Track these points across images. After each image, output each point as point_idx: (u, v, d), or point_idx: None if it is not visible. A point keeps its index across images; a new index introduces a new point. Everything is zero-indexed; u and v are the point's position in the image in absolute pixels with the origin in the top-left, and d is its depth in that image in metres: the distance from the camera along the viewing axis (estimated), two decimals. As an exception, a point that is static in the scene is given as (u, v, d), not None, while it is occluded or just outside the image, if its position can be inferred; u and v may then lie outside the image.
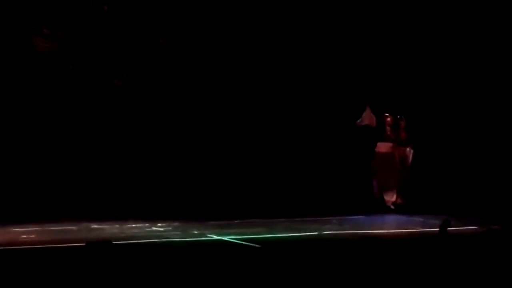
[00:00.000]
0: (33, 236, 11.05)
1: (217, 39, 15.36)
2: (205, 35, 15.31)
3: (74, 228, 11.83)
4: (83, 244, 7.34)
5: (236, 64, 15.44)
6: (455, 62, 15.55)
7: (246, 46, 15.45)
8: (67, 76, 14.69)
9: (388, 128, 14.66)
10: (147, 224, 12.22)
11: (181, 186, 14.66)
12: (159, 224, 12.21)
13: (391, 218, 13.78)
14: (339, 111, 15.58)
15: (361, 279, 7.33)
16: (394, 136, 14.67)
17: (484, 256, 7.85)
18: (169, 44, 15.20)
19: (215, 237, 11.09)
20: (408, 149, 14.69)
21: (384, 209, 14.36)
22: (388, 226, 12.99)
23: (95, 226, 12.01)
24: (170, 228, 11.98)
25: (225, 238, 10.93)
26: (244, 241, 10.56)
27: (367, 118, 14.57)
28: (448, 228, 8.84)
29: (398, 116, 14.79)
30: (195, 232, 11.58)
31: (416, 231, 11.87)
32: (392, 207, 14.44)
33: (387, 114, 14.70)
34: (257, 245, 10.28)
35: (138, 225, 12.21)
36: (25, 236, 11.00)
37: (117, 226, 12.06)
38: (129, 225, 12.15)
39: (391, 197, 14.49)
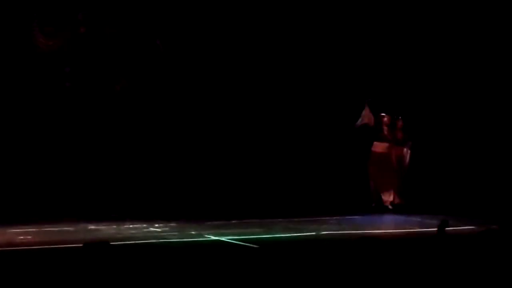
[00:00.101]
0: (30, 237, 11.03)
1: (216, 39, 15.35)
2: (204, 35, 15.30)
3: (71, 229, 11.81)
4: (81, 245, 7.31)
5: (234, 65, 15.43)
6: (453, 62, 15.55)
7: (245, 46, 15.44)
8: (64, 77, 14.67)
9: (385, 128, 14.66)
10: (144, 225, 12.20)
11: (179, 186, 14.65)
12: (156, 225, 12.19)
13: (389, 218, 13.77)
14: (336, 111, 15.58)
15: (359, 279, 7.32)
16: (391, 136, 14.67)
17: (482, 256, 7.84)
18: (166, 44, 15.18)
19: (213, 237, 11.07)
20: (405, 149, 14.69)
21: (381, 208, 14.35)
22: (386, 226, 12.99)
23: (92, 227, 11.99)
24: (167, 228, 11.96)
25: (223, 239, 10.91)
26: (242, 242, 10.54)
27: (366, 117, 14.56)
28: (446, 228, 8.83)
29: (395, 116, 14.79)
30: (193, 232, 11.56)
31: (414, 231, 11.87)
32: (390, 207, 14.44)
33: (383, 114, 14.69)
34: (255, 246, 10.26)
35: (135, 225, 12.18)
36: (22, 237, 10.97)
37: (115, 226, 12.04)
38: (126, 226, 12.13)
39: (388, 197, 14.49)
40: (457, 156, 15.29)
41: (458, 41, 15.55)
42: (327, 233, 11.48)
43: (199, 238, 11.09)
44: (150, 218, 12.71)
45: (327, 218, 13.08)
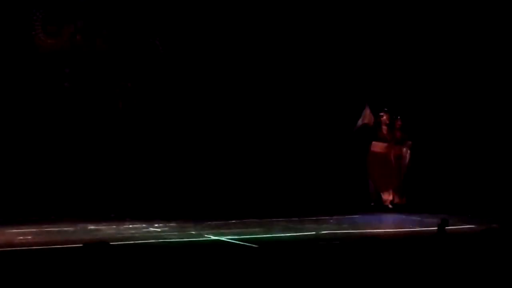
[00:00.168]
0: (29, 237, 11.01)
1: (215, 40, 15.34)
2: (203, 37, 15.29)
3: (70, 229, 11.79)
4: (80, 245, 7.30)
5: (234, 66, 15.42)
6: (452, 62, 15.55)
7: (245, 47, 15.43)
8: (64, 77, 14.66)
9: (384, 127, 14.65)
10: (144, 225, 12.19)
11: (178, 186, 14.64)
12: (156, 225, 12.17)
13: (389, 217, 13.76)
14: (335, 111, 15.57)
15: (359, 279, 7.31)
16: (390, 135, 14.66)
17: (482, 255, 7.84)
18: (165, 45, 15.18)
19: (213, 237, 11.06)
20: (404, 148, 14.68)
21: (381, 208, 14.35)
22: (386, 226, 12.97)
23: (91, 227, 11.97)
24: (167, 228, 11.95)
25: (223, 238, 10.90)
26: (242, 241, 10.53)
27: (367, 117, 14.55)
28: (446, 227, 8.83)
29: (394, 116, 14.78)
30: (193, 232, 11.55)
31: (414, 230, 11.85)
32: (390, 206, 14.43)
33: (382, 113, 14.68)
34: (254, 245, 10.25)
35: (135, 225, 12.17)
36: (21, 237, 10.96)
37: (114, 227, 12.03)
38: (125, 226, 12.11)
39: (388, 196, 14.49)
40: (457, 155, 15.29)
41: (458, 40, 15.54)
42: (327, 233, 11.46)
43: (199, 238, 11.07)
44: (149, 218, 12.70)
45: (326, 217, 13.07)
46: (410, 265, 7.78)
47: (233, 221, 12.63)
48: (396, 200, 14.53)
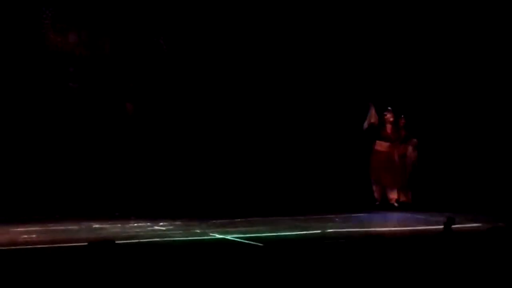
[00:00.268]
0: (34, 236, 11.00)
1: (216, 39, 15.32)
2: (203, 36, 15.28)
3: (75, 227, 11.78)
4: (85, 243, 7.29)
5: (240, 64, 15.41)
6: (461, 59, 15.51)
7: (247, 46, 15.42)
8: (68, 77, 14.66)
9: (388, 126, 14.63)
10: (149, 223, 12.17)
11: (183, 184, 14.62)
12: (161, 223, 12.15)
13: (394, 216, 13.73)
14: (340, 109, 15.55)
15: (365, 277, 7.28)
16: (394, 134, 14.63)
17: (489, 253, 7.80)
18: (168, 44, 15.17)
19: (218, 236, 11.04)
20: (410, 147, 14.64)
21: (387, 206, 14.32)
22: (392, 224, 12.94)
23: (96, 225, 11.96)
24: (172, 227, 11.93)
25: (228, 237, 10.88)
26: (247, 240, 10.51)
27: (373, 116, 14.53)
28: (453, 226, 8.80)
29: (397, 115, 14.74)
30: (198, 231, 11.53)
31: (420, 228, 11.81)
32: (395, 204, 14.40)
33: (386, 112, 14.65)
34: (259, 244, 10.22)
35: (140, 224, 12.16)
36: (25, 236, 10.95)
37: (119, 225, 12.01)
38: (131, 225, 12.10)
39: (394, 195, 14.46)
40: (463, 153, 15.26)
41: (463, 37, 15.50)
42: (332, 231, 11.43)
43: (204, 236, 11.05)
44: (154, 217, 12.69)
45: (332, 216, 13.04)
46: (416, 263, 7.75)
47: (238, 219, 12.60)
48: (402, 198, 14.50)
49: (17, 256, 9.35)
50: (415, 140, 14.66)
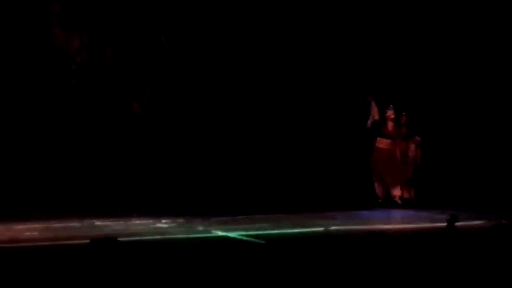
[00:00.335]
0: (36, 233, 10.99)
1: (217, 38, 15.30)
2: (204, 35, 15.26)
3: (77, 225, 11.76)
4: (88, 241, 7.26)
5: (244, 62, 15.41)
6: (465, 55, 15.47)
7: (245, 44, 15.40)
8: (70, 75, 14.66)
9: (389, 123, 14.60)
10: (151, 221, 12.16)
11: (185, 182, 14.61)
12: (163, 221, 12.14)
13: (397, 213, 13.71)
14: (342, 107, 15.54)
15: (369, 275, 7.26)
16: (395, 131, 14.61)
17: (493, 251, 7.78)
18: (170, 42, 15.17)
19: (220, 233, 11.02)
20: (412, 144, 14.61)
21: (390, 203, 14.29)
22: (395, 221, 12.92)
23: (98, 223, 11.94)
24: (174, 224, 11.92)
25: (230, 235, 10.86)
26: (250, 237, 10.49)
27: (376, 113, 14.51)
28: (456, 223, 8.76)
29: (399, 112, 14.70)
30: (200, 228, 11.51)
31: (423, 226, 11.79)
32: (399, 201, 14.38)
33: (388, 109, 14.62)
34: (262, 241, 10.20)
35: (142, 221, 12.14)
36: (28, 234, 10.93)
37: (121, 222, 12.00)
38: (133, 222, 12.08)
39: (397, 192, 14.43)
40: (467, 150, 15.23)
41: (465, 36, 15.48)
42: (335, 229, 11.41)
43: (206, 234, 11.03)
44: (157, 214, 12.67)
45: (335, 213, 13.02)
46: (420, 261, 7.72)
47: (241, 216, 12.58)
48: (405, 195, 14.47)
49: (20, 254, 9.34)
50: (417, 138, 14.63)
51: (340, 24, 15.63)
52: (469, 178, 14.69)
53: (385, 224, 12.23)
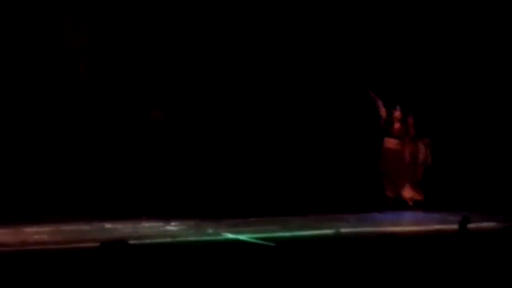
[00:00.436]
0: (46, 236, 10.98)
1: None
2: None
3: (87, 228, 11.75)
4: (98, 244, 7.23)
5: (250, 62, 15.40)
6: (475, 56, 15.42)
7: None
8: (79, 78, 14.69)
9: (396, 123, 14.56)
10: (160, 223, 12.13)
11: (195, 184, 14.59)
12: (173, 223, 12.11)
13: (408, 215, 13.66)
14: (351, 108, 15.51)
15: (379, 278, 7.21)
16: (403, 132, 14.56)
17: (506, 253, 7.72)
18: (178, 43, 15.19)
19: (230, 235, 10.98)
20: (421, 145, 14.56)
21: (400, 205, 14.24)
22: (406, 223, 12.87)
23: (108, 225, 11.92)
24: (184, 227, 11.89)
25: (240, 237, 10.82)
26: (259, 240, 10.46)
27: (384, 112, 14.48)
28: (468, 225, 8.70)
29: (406, 113, 14.65)
30: (210, 231, 11.48)
31: (435, 228, 11.73)
32: (410, 203, 14.32)
33: (393, 110, 14.58)
34: (271, 244, 10.17)
35: (152, 224, 12.12)
36: (37, 237, 10.92)
37: (131, 225, 11.98)
38: (143, 225, 12.06)
39: (408, 194, 14.37)
40: (478, 151, 15.17)
41: (474, 36, 15.42)
42: (346, 231, 11.36)
43: (216, 236, 11.00)
44: (166, 217, 12.64)
45: (345, 215, 12.97)
46: (431, 263, 7.68)
47: (251, 219, 12.55)
48: (416, 196, 14.42)
49: (30, 257, 9.33)
50: (426, 139, 14.59)
51: (348, 25, 15.59)
52: (481, 179, 14.62)
53: (396, 226, 12.17)
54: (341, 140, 15.51)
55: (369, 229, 11.48)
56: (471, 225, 8.75)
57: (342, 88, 15.65)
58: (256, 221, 12.40)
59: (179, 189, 14.47)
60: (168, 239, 10.65)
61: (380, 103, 14.49)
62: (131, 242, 7.94)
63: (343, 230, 11.46)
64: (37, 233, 11.19)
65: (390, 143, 14.55)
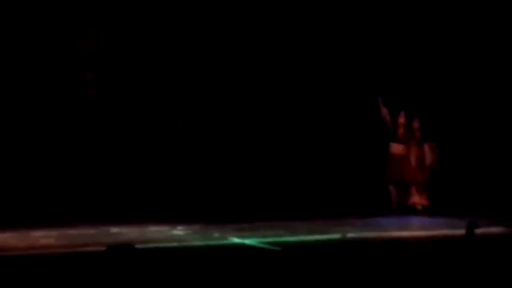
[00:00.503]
0: (52, 240, 10.97)
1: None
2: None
3: (93, 232, 11.74)
4: (104, 248, 7.21)
5: (257, 64, 15.39)
6: (480, 58, 15.39)
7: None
8: (86, 83, 14.71)
9: (401, 128, 14.54)
10: (167, 228, 12.12)
11: (201, 188, 14.58)
12: (179, 227, 12.10)
13: (414, 220, 13.63)
14: (357, 113, 15.50)
15: (386, 283, 7.18)
16: (408, 136, 14.54)
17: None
18: (187, 47, 15.19)
19: (236, 240, 10.97)
20: (427, 150, 14.53)
21: (406, 210, 14.21)
22: (412, 228, 12.84)
23: (114, 230, 11.91)
24: (190, 231, 11.87)
25: (246, 241, 10.81)
26: (265, 244, 10.44)
27: (387, 115, 14.47)
28: (475, 230, 8.66)
29: (411, 117, 14.63)
30: (216, 235, 11.46)
31: (442, 233, 11.69)
32: (418, 208, 14.28)
33: (399, 114, 14.56)
34: (277, 248, 10.14)
35: (158, 228, 12.11)
36: (44, 241, 10.91)
37: (137, 229, 11.96)
38: (149, 229, 12.05)
39: (416, 199, 14.34)
40: (485, 156, 15.14)
41: (480, 40, 15.40)
42: (352, 236, 11.33)
43: (223, 241, 10.98)
44: (172, 221, 12.63)
45: (351, 219, 12.95)
46: (438, 269, 7.64)
47: (257, 223, 12.53)
48: (422, 201, 14.40)
49: (36, 261, 9.32)
50: (432, 143, 14.56)
51: (354, 28, 15.58)
52: (487, 183, 14.59)
53: (403, 231, 12.14)
54: (347, 145, 15.50)
55: (375, 234, 11.44)
56: (478, 230, 8.72)
57: (348, 93, 15.65)
58: (262, 225, 12.38)
59: (186, 194, 14.47)
60: (174, 243, 10.63)
61: (385, 110, 14.48)
62: (138, 246, 7.94)
63: (350, 235, 11.43)
64: (43, 237, 11.18)
65: (395, 148, 14.53)
